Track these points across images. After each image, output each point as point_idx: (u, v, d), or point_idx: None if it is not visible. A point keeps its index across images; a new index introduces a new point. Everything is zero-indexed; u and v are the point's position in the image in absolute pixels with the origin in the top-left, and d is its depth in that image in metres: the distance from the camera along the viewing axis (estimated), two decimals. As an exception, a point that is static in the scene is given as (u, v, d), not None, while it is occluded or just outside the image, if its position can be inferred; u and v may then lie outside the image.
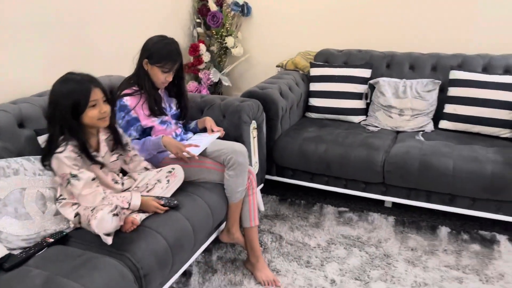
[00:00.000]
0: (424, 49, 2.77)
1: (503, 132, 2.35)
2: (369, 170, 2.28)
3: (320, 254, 2.12)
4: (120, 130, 1.72)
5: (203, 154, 1.90)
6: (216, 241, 2.07)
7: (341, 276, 1.97)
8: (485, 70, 2.54)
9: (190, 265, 1.99)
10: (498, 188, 2.03)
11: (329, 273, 1.99)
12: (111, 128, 1.65)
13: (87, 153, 1.52)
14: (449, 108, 2.49)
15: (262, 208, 2.54)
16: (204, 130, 2.08)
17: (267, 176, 2.59)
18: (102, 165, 1.60)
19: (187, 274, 1.99)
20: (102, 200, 1.51)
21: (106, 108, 1.55)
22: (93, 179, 1.53)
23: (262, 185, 2.54)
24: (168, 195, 1.72)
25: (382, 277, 1.96)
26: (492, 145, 2.24)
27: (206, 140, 1.95)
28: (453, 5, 2.70)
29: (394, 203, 2.52)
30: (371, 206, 2.54)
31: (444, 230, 2.29)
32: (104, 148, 1.63)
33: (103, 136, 1.64)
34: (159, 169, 1.78)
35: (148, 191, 1.69)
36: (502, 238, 2.20)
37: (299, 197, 2.67)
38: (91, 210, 1.46)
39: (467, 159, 2.11)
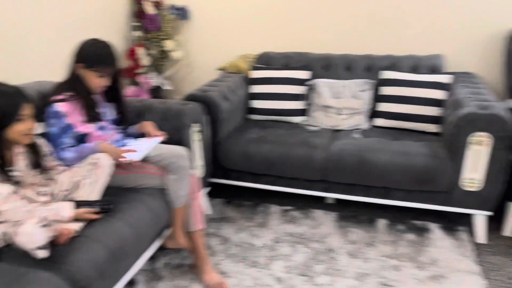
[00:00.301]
0: (358, 50, 2.90)
1: (431, 127, 2.51)
2: (310, 168, 2.35)
3: (267, 253, 2.15)
4: (41, 140, 1.64)
5: (144, 159, 1.86)
6: (162, 247, 2.03)
7: (287, 273, 2.01)
8: (414, 70, 2.72)
9: (135, 274, 1.94)
10: (428, 180, 2.18)
11: (276, 271, 2.03)
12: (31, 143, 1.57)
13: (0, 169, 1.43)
14: (382, 107, 2.63)
15: (209, 212, 2.54)
16: (144, 135, 2.04)
17: (213, 179, 2.59)
18: (17, 181, 1.49)
19: (132, 283, 1.94)
20: (29, 213, 1.42)
21: (33, 125, 1.49)
22: (13, 192, 1.44)
23: (208, 188, 2.53)
24: (97, 189, 1.64)
25: (326, 271, 2.02)
26: (421, 140, 2.40)
27: (147, 145, 1.91)
28: (384, 9, 2.86)
29: (335, 199, 2.62)
30: (314, 203, 2.62)
31: (382, 222, 2.42)
32: (22, 162, 1.54)
33: (19, 149, 1.55)
34: (81, 163, 1.70)
35: (76, 194, 1.61)
36: (433, 226, 2.36)
37: (245, 199, 2.69)
38: (15, 226, 1.38)
39: (399, 154, 2.24)
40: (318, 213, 2.52)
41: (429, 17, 2.80)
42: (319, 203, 2.62)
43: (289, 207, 2.59)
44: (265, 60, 2.98)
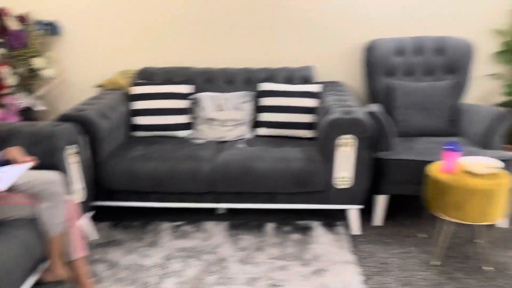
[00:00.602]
0: (237, 64, 3.03)
1: (307, 133, 2.72)
2: (197, 181, 2.37)
3: (157, 272, 2.11)
4: None
5: (11, 188, 1.70)
6: (39, 282, 1.86)
7: (179, 289, 1.99)
8: (288, 81, 2.92)
9: (7, 317, 1.74)
10: (305, 182, 2.35)
11: (167, 289, 2.00)
12: None
13: None
14: (263, 117, 2.78)
15: (94, 236, 2.40)
16: (10, 162, 1.86)
17: (97, 202, 2.45)
18: None
19: (4, 327, 1.74)
20: None
21: None
22: None
23: (92, 212, 2.40)
24: None
25: (218, 280, 2.05)
26: (298, 146, 2.58)
27: (13, 173, 1.74)
28: (259, 24, 3.03)
29: (226, 209, 2.68)
30: (206, 215, 2.64)
31: (270, 226, 2.54)
32: None
33: None
34: None
35: None
36: (316, 225, 2.55)
37: (134, 219, 2.61)
38: None
39: (279, 160, 2.38)
40: (210, 225, 2.54)
41: (300, 32, 3.04)
42: (211, 214, 2.66)
43: (180, 222, 2.57)
44: (146, 76, 2.94)
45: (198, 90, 2.87)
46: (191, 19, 3.03)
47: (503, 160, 2.28)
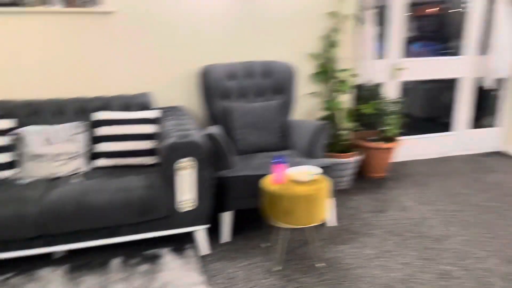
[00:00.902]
0: (67, 94, 2.84)
1: (149, 160, 2.68)
2: (23, 226, 2.12)
3: None
4: None
5: None
6: None
7: None
8: (125, 108, 2.85)
9: None
10: (148, 210, 2.30)
11: None
12: None
13: None
14: (101, 147, 2.64)
15: None
16: None
17: None
18: None
19: None
20: None
21: None
22: None
23: None
24: None
25: (54, 333, 1.85)
26: (140, 174, 2.52)
27: None
28: (91, 52, 2.90)
29: (66, 251, 2.45)
30: (41, 261, 2.37)
31: (115, 262, 2.40)
32: None
33: None
34: None
35: None
36: (165, 252, 2.51)
37: None
38: None
39: (119, 191, 2.29)
40: (45, 272, 2.29)
41: (136, 59, 3.02)
42: (46, 260, 2.39)
43: (8, 275, 2.25)
44: (-47, 112, 2.54)
45: (22, 125, 2.60)
46: (4, 45, 2.75)
47: (323, 167, 2.61)
